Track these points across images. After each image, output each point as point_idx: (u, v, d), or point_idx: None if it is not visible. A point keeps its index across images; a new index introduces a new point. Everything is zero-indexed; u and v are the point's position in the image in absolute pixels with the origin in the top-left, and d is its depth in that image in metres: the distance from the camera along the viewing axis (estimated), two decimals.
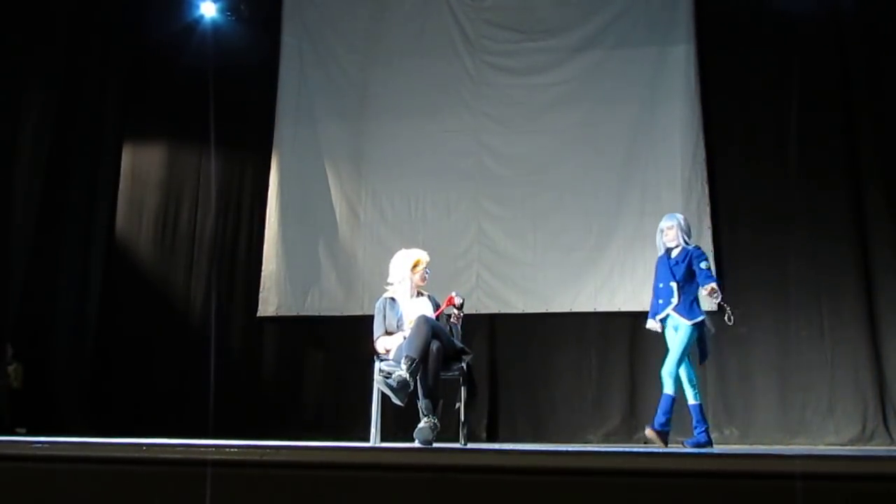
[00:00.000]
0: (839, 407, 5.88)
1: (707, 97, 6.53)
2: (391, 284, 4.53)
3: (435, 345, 4.02)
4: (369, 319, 4.48)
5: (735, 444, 5.88)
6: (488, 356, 6.44)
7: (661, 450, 4.18)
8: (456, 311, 4.32)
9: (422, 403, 4.03)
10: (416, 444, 3.88)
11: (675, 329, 4.64)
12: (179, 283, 7.13)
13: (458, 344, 4.43)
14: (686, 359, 4.63)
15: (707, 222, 6.36)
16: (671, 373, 4.58)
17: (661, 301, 4.71)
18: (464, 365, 4.47)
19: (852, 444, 5.66)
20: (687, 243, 4.72)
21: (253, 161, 7.29)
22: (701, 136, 6.47)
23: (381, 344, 4.38)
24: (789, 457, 2.00)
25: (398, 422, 5.00)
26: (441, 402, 4.04)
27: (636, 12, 6.76)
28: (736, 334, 6.17)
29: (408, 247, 4.70)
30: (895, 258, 5.98)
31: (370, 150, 7.04)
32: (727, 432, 6.02)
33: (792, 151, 6.28)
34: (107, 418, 6.45)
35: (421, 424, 3.92)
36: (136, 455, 2.21)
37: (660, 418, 4.53)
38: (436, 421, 3.94)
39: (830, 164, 6.24)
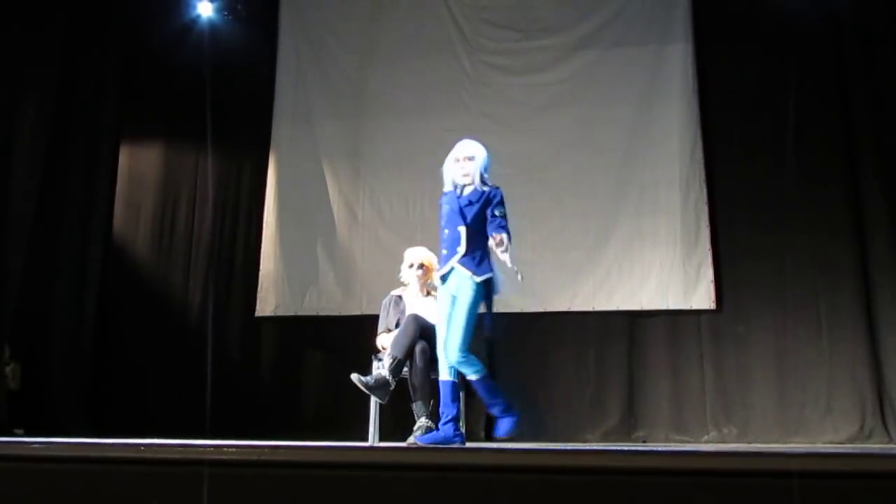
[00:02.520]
0: (837, 405, 5.89)
1: (705, 96, 6.54)
2: (405, 284, 4.53)
3: (420, 345, 3.99)
4: (368, 319, 4.49)
5: (733, 442, 5.89)
6: (486, 357, 6.41)
7: (660, 448, 4.14)
8: None
9: (413, 406, 4.03)
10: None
11: (458, 291, 3.63)
12: (177, 283, 7.13)
13: None
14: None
15: (705, 221, 6.36)
16: (459, 349, 3.54)
17: (445, 252, 3.74)
18: None
19: (850, 443, 5.67)
20: (485, 183, 3.82)
21: (250, 161, 7.28)
22: (699, 135, 6.47)
23: (379, 341, 4.39)
24: (787, 455, 2.00)
25: (397, 422, 4.99)
26: (431, 402, 4.02)
27: (634, 11, 6.76)
28: (734, 333, 6.19)
29: (407, 246, 4.71)
30: (893, 257, 5.98)
31: (368, 150, 7.04)
32: (725, 431, 6.03)
33: (790, 150, 6.29)
34: (105, 419, 6.45)
35: (415, 427, 3.92)
36: (134, 455, 2.21)
37: (446, 416, 3.62)
38: (430, 424, 3.93)
39: (829, 163, 6.24)
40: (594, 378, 6.33)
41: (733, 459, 2.06)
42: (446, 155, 7.05)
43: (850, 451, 3.27)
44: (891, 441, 5.63)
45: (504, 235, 3.59)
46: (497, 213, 3.69)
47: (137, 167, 7.42)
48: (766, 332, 6.15)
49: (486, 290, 3.64)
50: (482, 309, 3.68)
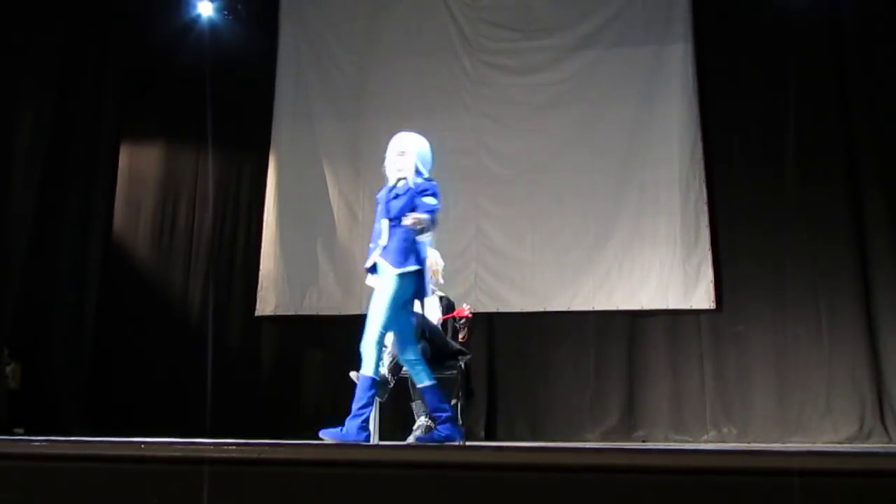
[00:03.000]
0: (837, 405, 5.89)
1: (705, 96, 6.54)
2: None
3: (420, 345, 4.00)
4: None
5: (733, 442, 5.89)
6: (486, 355, 6.44)
7: (660, 447, 4.14)
8: (463, 325, 4.31)
9: (413, 405, 4.04)
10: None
11: (381, 283, 3.57)
12: (177, 282, 7.13)
13: (456, 345, 4.44)
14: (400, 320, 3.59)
15: (705, 221, 6.37)
16: (375, 342, 3.48)
17: (371, 245, 3.69)
18: (461, 364, 4.48)
19: (850, 443, 5.68)
20: (420, 176, 3.71)
21: (250, 160, 7.29)
22: (699, 135, 6.48)
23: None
24: (788, 453, 2.00)
25: (397, 422, 5.00)
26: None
27: (633, 11, 6.76)
28: (734, 333, 6.20)
29: None
30: (893, 257, 5.99)
31: (368, 150, 7.01)
32: (725, 430, 6.03)
33: (790, 151, 6.29)
34: (105, 418, 6.45)
35: (414, 427, 3.93)
36: (134, 453, 2.21)
37: (357, 413, 3.45)
38: (430, 423, 3.93)
39: (829, 164, 6.25)
40: (594, 378, 6.34)
41: (733, 457, 2.06)
42: (446, 155, 7.09)
43: (850, 449, 3.28)
44: (890, 441, 5.63)
45: (416, 214, 3.48)
46: (421, 201, 3.57)
47: (138, 166, 7.42)
48: (765, 331, 6.15)
49: (413, 285, 3.54)
50: (417, 306, 3.67)
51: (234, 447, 2.19)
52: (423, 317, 4.18)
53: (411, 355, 3.59)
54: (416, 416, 4.06)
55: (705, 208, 6.38)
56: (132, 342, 6.91)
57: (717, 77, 6.57)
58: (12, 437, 3.76)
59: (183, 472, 2.09)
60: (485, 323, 6.48)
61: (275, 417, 6.48)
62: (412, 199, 3.59)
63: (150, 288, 7.13)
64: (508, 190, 6.74)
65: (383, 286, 3.52)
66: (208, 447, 2.22)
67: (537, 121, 6.79)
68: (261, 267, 6.96)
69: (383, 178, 3.82)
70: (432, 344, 4.17)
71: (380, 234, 3.61)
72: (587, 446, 4.78)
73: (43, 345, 6.47)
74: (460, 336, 4.40)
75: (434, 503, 1.97)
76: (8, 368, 6.12)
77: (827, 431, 5.81)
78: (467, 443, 4.42)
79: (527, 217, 6.68)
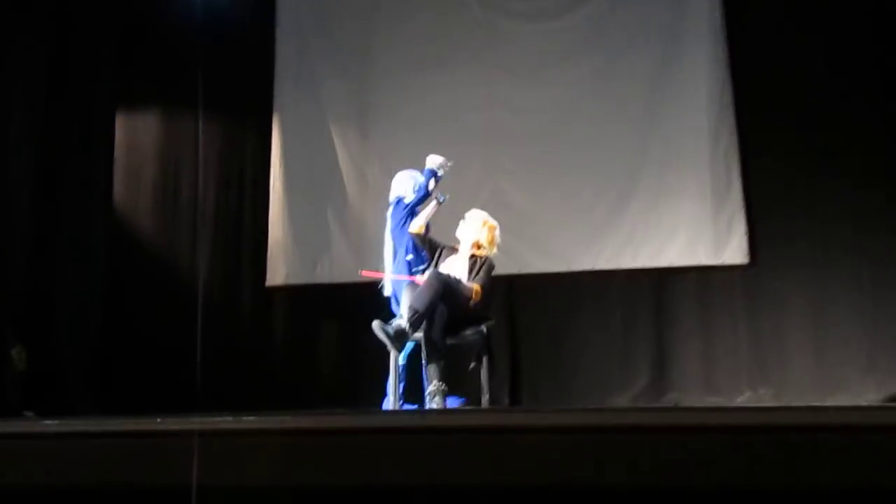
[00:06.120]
0: (880, 362, 5.83)
1: (733, 32, 6.36)
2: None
3: (440, 308, 4.06)
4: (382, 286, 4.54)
5: (769, 403, 5.87)
6: (508, 319, 6.45)
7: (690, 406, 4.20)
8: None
9: (425, 371, 4.09)
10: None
11: None
12: (183, 254, 7.16)
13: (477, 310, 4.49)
14: None
15: (737, 171, 6.27)
16: None
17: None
18: (483, 329, 4.50)
19: (895, 401, 5.64)
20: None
21: (253, 125, 7.27)
22: (728, 78, 6.35)
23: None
24: (824, 409, 2.00)
25: (416, 393, 5.03)
26: (442, 363, 4.12)
27: None
28: (770, 288, 6.14)
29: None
30: None
31: (376, 109, 7.00)
32: (761, 391, 6.01)
33: (829, 90, 6.11)
34: (115, 397, 6.54)
35: (427, 392, 4.01)
36: (125, 428, 2.25)
37: None
38: (444, 387, 4.01)
39: (873, 104, 6.03)
40: (622, 339, 6.32)
41: (768, 414, 2.05)
42: (460, 110, 7.02)
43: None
44: None
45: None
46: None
47: (136, 135, 7.42)
48: (803, 286, 6.07)
49: None
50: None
51: (253, 419, 2.22)
52: (444, 275, 4.22)
53: None
54: (427, 381, 4.12)
55: (737, 157, 6.28)
56: (139, 318, 6.97)
57: (746, 10, 6.38)
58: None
59: (172, 446, 2.12)
60: (505, 286, 6.48)
61: (290, 390, 6.53)
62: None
63: (156, 261, 7.17)
64: (526, 146, 6.69)
65: None
66: (227, 420, 2.25)
67: (555, 71, 6.70)
68: (269, 235, 6.98)
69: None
70: (451, 305, 4.21)
71: None
72: (614, 407, 4.80)
73: (49, 325, 6.54)
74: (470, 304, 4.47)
75: (460, 468, 1.99)
76: (14, 351, 6.21)
77: (870, 390, 5.76)
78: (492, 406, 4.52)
79: (544, 173, 6.63)
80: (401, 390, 4.58)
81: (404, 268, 4.89)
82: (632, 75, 6.55)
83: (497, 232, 4.89)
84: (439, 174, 5.02)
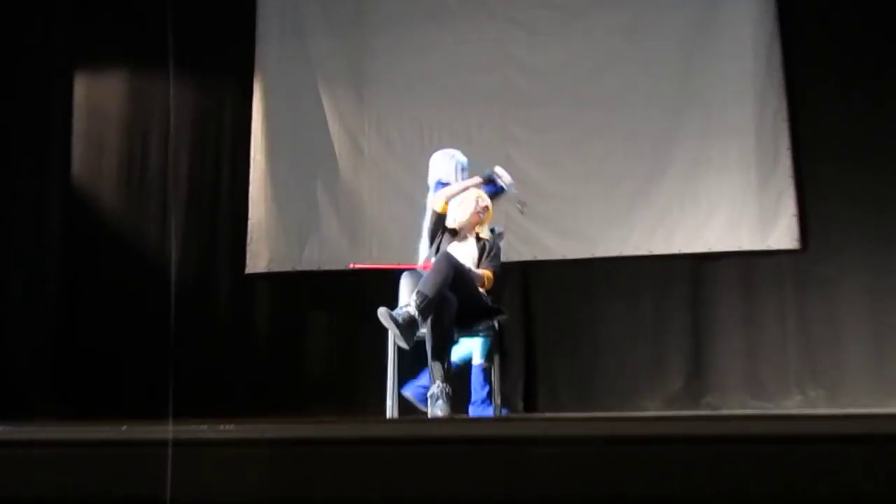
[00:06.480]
0: None
1: None
2: None
3: (450, 296, 4.05)
4: (379, 270, 4.55)
5: (822, 408, 5.90)
6: (522, 311, 6.47)
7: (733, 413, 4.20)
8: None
9: (430, 367, 4.10)
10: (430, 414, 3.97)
11: None
12: (152, 236, 7.17)
13: (489, 302, 4.50)
14: None
15: (786, 143, 6.27)
16: None
17: None
18: (495, 323, 4.51)
19: None
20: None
21: (232, 87, 7.27)
22: (777, 35, 6.33)
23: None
24: (886, 416, 1.99)
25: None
26: (448, 361, 4.12)
27: None
28: (822, 277, 6.14)
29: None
30: None
31: (372, 70, 6.99)
32: (812, 394, 6.03)
33: (891, 52, 6.10)
34: (75, 400, 6.57)
35: (428, 394, 4.01)
36: (86, 437, 2.26)
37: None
38: (447, 388, 4.01)
39: None
40: (653, 335, 6.34)
41: (824, 423, 2.05)
42: (467, 71, 7.01)
43: None
44: None
45: None
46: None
47: (98, 100, 7.42)
48: (860, 274, 6.08)
49: None
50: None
51: (232, 427, 2.24)
52: (454, 258, 4.22)
53: None
54: (430, 381, 4.13)
55: (786, 126, 6.27)
56: (101, 309, 7.00)
57: None
58: None
59: (146, 455, 2.15)
60: (519, 273, 6.49)
61: (273, 393, 6.57)
62: None
63: (120, 244, 7.17)
64: (542, 112, 6.68)
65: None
66: (201, 428, 2.27)
67: (576, 25, 6.69)
68: (250, 215, 7.00)
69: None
70: (466, 300, 4.21)
71: None
72: (647, 415, 4.81)
73: None
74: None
75: (465, 481, 2.00)
76: None
77: None
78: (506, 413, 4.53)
79: (566, 144, 6.62)
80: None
81: None
82: (665, 31, 6.53)
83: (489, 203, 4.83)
84: (498, 185, 5.04)
